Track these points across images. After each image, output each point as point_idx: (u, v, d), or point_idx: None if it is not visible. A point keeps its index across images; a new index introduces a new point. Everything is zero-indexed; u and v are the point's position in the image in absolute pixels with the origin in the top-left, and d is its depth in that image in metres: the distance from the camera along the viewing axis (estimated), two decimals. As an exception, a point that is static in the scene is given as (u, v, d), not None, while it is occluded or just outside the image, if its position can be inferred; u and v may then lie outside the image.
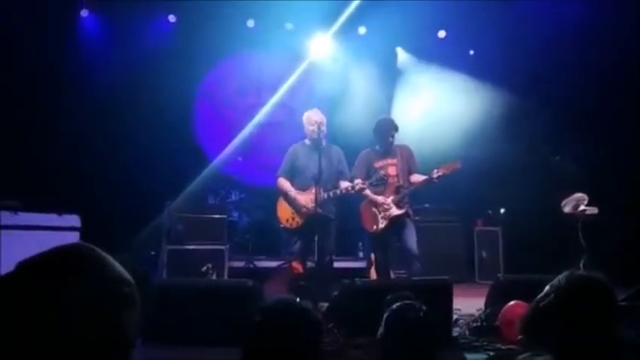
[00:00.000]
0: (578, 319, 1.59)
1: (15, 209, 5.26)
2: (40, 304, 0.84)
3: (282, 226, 5.54)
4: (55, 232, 5.36)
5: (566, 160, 5.95)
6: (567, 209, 5.67)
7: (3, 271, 0.91)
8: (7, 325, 0.82)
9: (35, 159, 6.83)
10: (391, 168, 5.34)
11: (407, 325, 2.03)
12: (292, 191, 5.39)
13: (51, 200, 5.62)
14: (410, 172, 5.42)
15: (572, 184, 5.79)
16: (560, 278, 1.69)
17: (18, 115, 6.85)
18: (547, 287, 1.69)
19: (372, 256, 5.79)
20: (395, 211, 5.26)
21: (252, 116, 8.40)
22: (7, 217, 5.15)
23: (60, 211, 5.60)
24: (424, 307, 2.12)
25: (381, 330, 2.08)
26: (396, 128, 5.40)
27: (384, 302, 2.24)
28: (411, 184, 5.34)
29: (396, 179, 5.33)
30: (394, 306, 2.12)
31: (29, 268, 0.88)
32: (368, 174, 5.31)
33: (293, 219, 5.37)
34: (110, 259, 0.93)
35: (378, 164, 5.35)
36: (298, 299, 1.83)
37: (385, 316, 2.09)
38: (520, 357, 1.69)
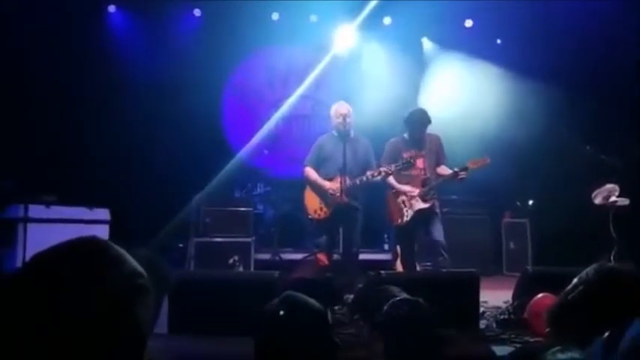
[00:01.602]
0: (607, 311, 1.56)
1: (48, 203, 5.39)
2: (53, 295, 0.84)
3: (309, 217, 5.55)
4: (84, 225, 5.48)
5: (597, 151, 5.82)
6: (598, 200, 5.55)
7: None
8: (21, 317, 0.83)
9: (68, 154, 6.97)
10: (419, 160, 5.29)
11: (407, 321, 2.04)
12: (319, 179, 5.42)
13: (84, 194, 5.74)
14: (438, 164, 5.36)
15: (603, 174, 5.67)
16: (589, 270, 1.66)
17: (50, 112, 6.98)
18: (576, 279, 1.67)
19: (398, 248, 5.77)
20: (420, 205, 5.22)
21: (278, 109, 8.43)
22: (37, 211, 5.27)
23: (91, 205, 5.72)
24: (425, 302, 2.12)
25: (381, 325, 2.10)
26: (429, 121, 5.33)
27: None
28: (438, 175, 5.29)
29: (423, 172, 5.28)
30: (387, 305, 2.13)
31: (43, 260, 0.89)
32: (395, 162, 5.26)
33: (321, 209, 5.39)
34: (123, 251, 0.93)
35: (406, 155, 5.29)
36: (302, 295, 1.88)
37: (385, 309, 2.10)
38: (551, 351, 1.66)
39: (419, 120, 5.30)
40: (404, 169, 5.16)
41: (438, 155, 5.38)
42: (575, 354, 1.25)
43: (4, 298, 0.86)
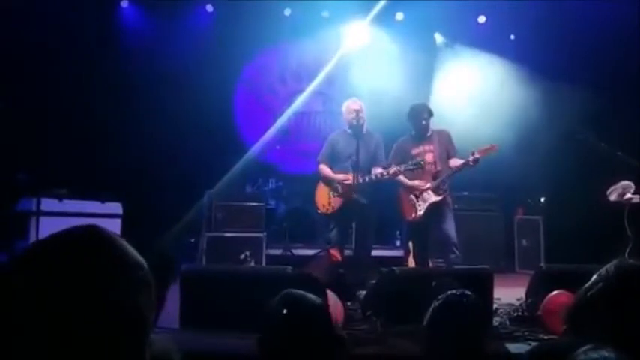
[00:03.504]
0: (628, 308, 1.53)
1: (61, 197, 5.42)
2: (52, 284, 0.83)
3: (319, 212, 5.59)
4: (96, 218, 5.51)
5: (612, 147, 5.75)
6: (613, 197, 5.48)
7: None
8: (20, 307, 0.82)
9: (80, 148, 7.01)
10: (428, 155, 5.29)
11: (457, 314, 2.00)
12: (331, 173, 5.44)
13: (96, 188, 5.78)
14: (449, 157, 5.34)
15: (617, 171, 5.60)
16: (609, 267, 1.63)
17: (63, 106, 7.02)
18: (595, 276, 1.63)
19: (410, 244, 5.74)
20: (433, 198, 5.21)
21: (290, 105, 8.43)
22: (50, 204, 5.31)
23: (103, 199, 5.75)
24: (474, 296, 2.09)
25: (428, 317, 2.05)
26: (430, 113, 5.35)
27: (432, 288, 2.22)
28: (449, 169, 5.27)
29: (433, 166, 5.27)
30: (444, 294, 2.09)
31: (43, 247, 0.88)
32: (404, 162, 5.26)
33: (329, 204, 5.40)
34: (123, 241, 0.91)
35: (414, 151, 5.31)
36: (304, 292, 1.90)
37: (435, 303, 2.06)
38: (582, 349, 1.62)
39: (420, 113, 5.32)
40: (414, 171, 5.15)
41: (448, 149, 5.37)
42: (608, 353, 1.22)
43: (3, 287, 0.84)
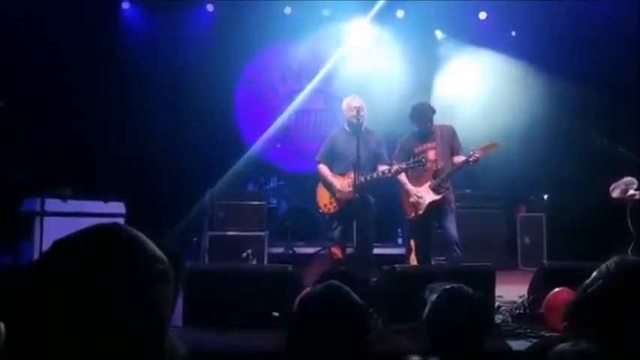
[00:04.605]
0: (628, 305, 1.53)
1: (65, 197, 5.43)
2: (74, 281, 0.85)
3: (320, 211, 5.58)
4: (100, 218, 5.51)
5: (615, 144, 5.73)
6: (615, 194, 5.47)
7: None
8: (44, 302, 0.84)
9: (83, 148, 7.02)
10: (430, 152, 5.27)
11: (458, 309, 2.00)
12: (329, 176, 5.40)
13: (99, 188, 5.78)
14: (453, 154, 5.32)
15: (620, 167, 5.59)
16: (610, 264, 1.62)
17: (65, 107, 7.03)
18: (595, 273, 1.63)
19: (412, 242, 5.74)
20: (432, 197, 5.19)
21: (291, 103, 8.43)
22: (54, 204, 5.31)
23: (106, 199, 5.76)
24: (475, 292, 2.08)
25: (427, 313, 2.05)
26: (432, 111, 5.33)
27: (429, 288, 2.20)
28: (453, 165, 5.26)
29: (434, 164, 5.25)
30: (445, 288, 2.08)
31: (65, 245, 0.90)
32: (407, 160, 5.24)
33: (331, 204, 5.38)
34: (144, 237, 0.94)
35: (417, 149, 5.28)
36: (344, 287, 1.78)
37: (435, 298, 2.05)
38: (563, 345, 1.63)
39: (422, 113, 5.29)
40: (416, 168, 5.14)
41: (452, 145, 5.34)
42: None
43: (27, 286, 0.86)
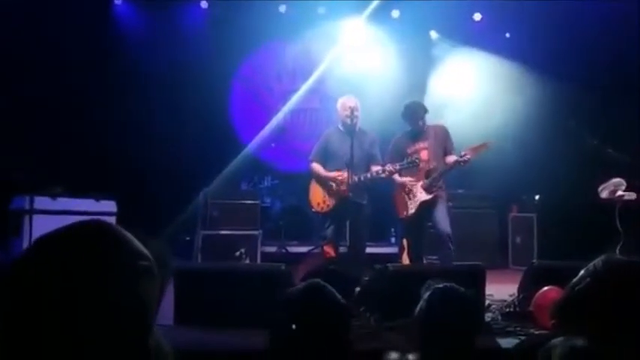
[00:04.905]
0: (615, 303, 1.56)
1: (54, 195, 5.41)
2: (56, 277, 0.85)
3: (313, 210, 5.58)
4: (91, 216, 5.49)
5: (604, 145, 5.78)
6: (604, 194, 5.51)
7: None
8: (27, 299, 0.84)
9: (75, 146, 7.00)
10: (423, 152, 5.28)
11: (449, 307, 2.01)
12: (324, 172, 5.41)
13: (91, 186, 5.77)
14: (445, 154, 5.34)
15: (609, 168, 5.63)
16: (597, 262, 1.64)
17: (57, 104, 7.00)
18: (582, 271, 1.66)
19: (405, 241, 5.76)
20: (424, 196, 5.21)
21: (286, 102, 8.43)
22: (44, 202, 5.29)
23: (97, 197, 5.74)
24: (467, 291, 2.10)
25: (419, 310, 2.06)
26: (425, 111, 5.35)
27: (427, 284, 2.22)
28: (445, 165, 5.28)
29: (427, 164, 5.28)
30: (437, 286, 2.09)
31: (47, 242, 0.90)
32: (400, 160, 5.25)
33: (324, 202, 5.39)
34: (128, 234, 0.94)
35: (410, 150, 5.30)
36: (326, 284, 1.80)
37: (427, 295, 2.07)
38: (554, 341, 1.66)
39: (414, 112, 5.30)
40: (409, 169, 5.16)
41: (445, 144, 5.36)
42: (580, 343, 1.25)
43: (10, 282, 0.86)
